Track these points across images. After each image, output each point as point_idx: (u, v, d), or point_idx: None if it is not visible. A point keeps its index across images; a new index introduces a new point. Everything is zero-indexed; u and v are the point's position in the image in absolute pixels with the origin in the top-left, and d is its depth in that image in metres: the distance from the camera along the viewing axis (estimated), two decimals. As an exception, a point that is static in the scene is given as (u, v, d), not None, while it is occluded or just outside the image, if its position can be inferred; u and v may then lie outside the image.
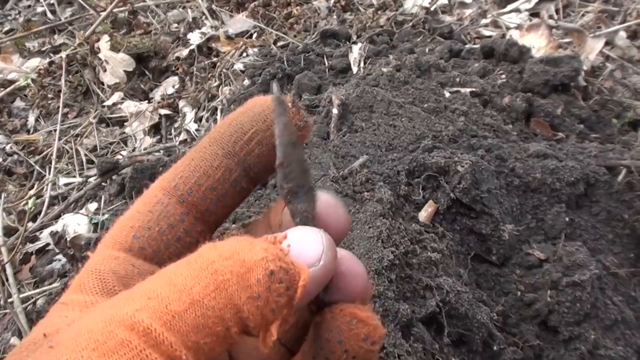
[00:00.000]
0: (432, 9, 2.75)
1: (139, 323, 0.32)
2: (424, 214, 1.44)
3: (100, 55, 2.82)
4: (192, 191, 0.44)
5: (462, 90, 1.93)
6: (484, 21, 2.67)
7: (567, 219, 1.55)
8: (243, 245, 0.35)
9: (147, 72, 2.85)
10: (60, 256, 2.00)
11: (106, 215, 2.00)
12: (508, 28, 2.55)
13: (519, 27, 2.50)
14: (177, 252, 0.43)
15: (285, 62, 2.30)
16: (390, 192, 1.39)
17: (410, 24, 2.63)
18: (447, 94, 1.89)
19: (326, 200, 0.42)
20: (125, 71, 2.79)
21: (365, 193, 1.40)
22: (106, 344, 0.32)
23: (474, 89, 1.94)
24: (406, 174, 1.50)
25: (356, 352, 0.38)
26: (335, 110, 1.73)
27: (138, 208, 0.45)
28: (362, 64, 2.17)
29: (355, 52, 2.23)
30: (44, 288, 1.89)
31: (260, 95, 0.48)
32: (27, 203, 2.17)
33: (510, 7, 2.71)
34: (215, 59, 2.76)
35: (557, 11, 2.62)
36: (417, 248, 1.31)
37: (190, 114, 2.47)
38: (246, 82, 2.40)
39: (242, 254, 0.34)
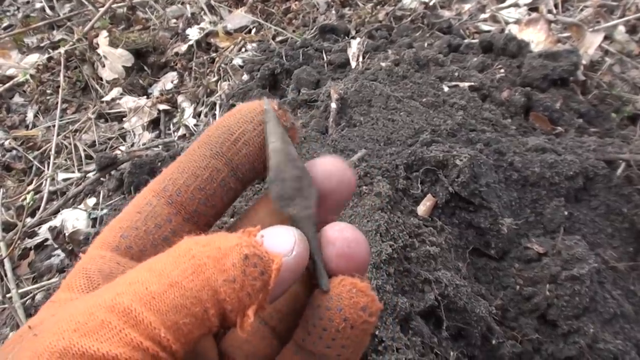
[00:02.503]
0: (430, 3, 2.75)
1: (119, 304, 0.33)
2: (422, 208, 1.43)
3: (99, 51, 2.81)
4: (180, 192, 0.45)
5: (461, 84, 1.92)
6: (482, 16, 2.67)
7: (566, 212, 1.54)
8: (219, 236, 0.37)
9: (145, 68, 2.85)
10: (59, 251, 2.00)
11: (105, 210, 2.00)
12: (507, 23, 2.55)
13: (517, 21, 2.50)
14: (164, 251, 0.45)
15: (283, 57, 2.30)
16: (388, 186, 1.39)
17: (409, 19, 2.62)
18: (446, 89, 1.89)
19: (327, 164, 0.45)
20: (124, 67, 2.79)
21: (364, 187, 1.39)
22: (87, 325, 0.33)
23: (472, 84, 1.93)
24: (405, 168, 1.50)
25: (354, 320, 0.40)
26: (333, 105, 1.72)
27: (128, 210, 0.46)
28: (360, 59, 2.17)
29: (354, 47, 2.23)
30: (43, 283, 1.89)
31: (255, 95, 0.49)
32: (25, 198, 2.17)
33: (509, 1, 2.70)
34: (214, 55, 2.75)
35: (555, 5, 2.62)
36: (415, 242, 1.31)
37: (189, 109, 2.47)
38: (245, 77, 2.40)
39: (218, 242, 0.37)
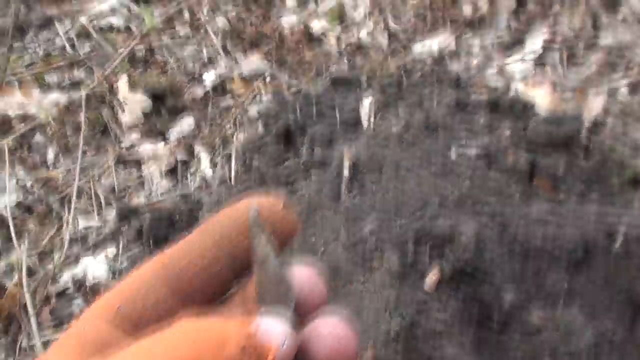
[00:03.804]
0: (439, 57, 2.83)
1: None
2: (428, 282, 1.51)
3: (119, 96, 2.90)
4: (179, 276, 0.46)
5: (468, 151, 1.99)
6: (490, 71, 2.75)
7: (565, 285, 1.61)
8: (217, 323, 0.39)
9: (163, 111, 2.92)
10: (79, 300, 2.08)
11: (125, 264, 2.08)
12: (513, 79, 2.63)
13: (523, 79, 2.58)
14: (157, 328, 0.45)
15: (297, 113, 2.38)
16: (398, 262, 1.47)
17: (419, 73, 2.71)
18: (454, 156, 1.96)
19: (299, 275, 0.46)
20: (142, 112, 2.87)
21: (374, 262, 1.48)
22: None
23: (479, 152, 2.00)
24: (413, 241, 1.58)
25: None
26: (346, 172, 1.81)
27: (127, 283, 0.47)
28: (372, 119, 2.25)
29: (366, 106, 2.31)
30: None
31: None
32: (48, 245, 2.25)
33: (515, 56, 2.78)
34: (230, 101, 2.83)
35: (561, 62, 2.70)
36: (422, 318, 1.38)
37: (205, 159, 2.55)
38: (260, 129, 2.48)
39: (217, 330, 0.38)
